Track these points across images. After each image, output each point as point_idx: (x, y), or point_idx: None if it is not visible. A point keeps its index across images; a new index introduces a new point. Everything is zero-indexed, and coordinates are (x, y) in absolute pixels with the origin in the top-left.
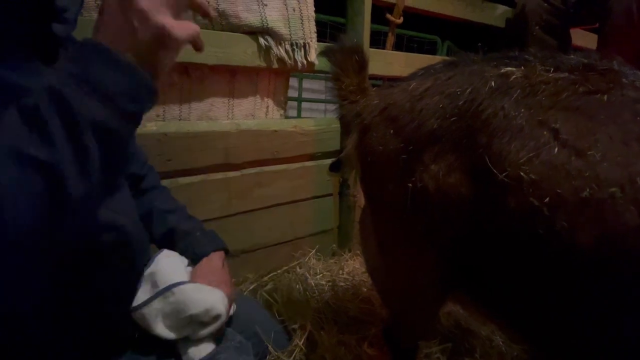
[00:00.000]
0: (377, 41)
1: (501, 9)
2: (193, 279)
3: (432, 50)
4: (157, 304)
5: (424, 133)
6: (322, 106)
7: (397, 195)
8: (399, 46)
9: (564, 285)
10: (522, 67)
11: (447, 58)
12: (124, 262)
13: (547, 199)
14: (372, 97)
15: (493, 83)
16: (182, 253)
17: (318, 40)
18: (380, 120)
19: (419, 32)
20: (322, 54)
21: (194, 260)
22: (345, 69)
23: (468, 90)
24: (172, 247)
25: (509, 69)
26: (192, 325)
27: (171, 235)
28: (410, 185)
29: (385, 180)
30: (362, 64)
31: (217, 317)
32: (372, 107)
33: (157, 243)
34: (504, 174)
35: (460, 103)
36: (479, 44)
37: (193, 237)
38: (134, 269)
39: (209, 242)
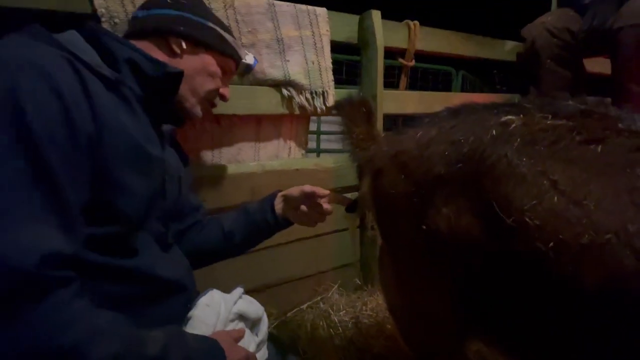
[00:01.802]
0: (392, 74)
1: (510, 44)
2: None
3: (448, 81)
4: None
5: (433, 178)
6: (340, 137)
7: (411, 237)
8: (414, 79)
9: (573, 329)
10: (521, 115)
11: (457, 93)
12: (174, 304)
13: (552, 243)
14: (382, 144)
15: (494, 131)
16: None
17: (335, 78)
18: (391, 165)
19: (434, 64)
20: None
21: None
22: (355, 120)
23: (471, 139)
24: (247, 218)
25: (509, 117)
26: None
27: (245, 209)
28: (424, 227)
29: (400, 222)
30: (370, 114)
31: None
32: (383, 153)
33: (238, 234)
34: (511, 219)
35: (465, 150)
36: (494, 71)
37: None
38: (182, 310)
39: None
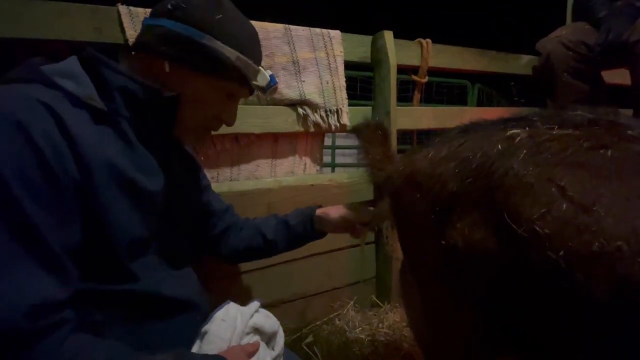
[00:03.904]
0: (407, 89)
1: (525, 58)
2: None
3: (463, 94)
4: None
5: (446, 195)
6: (354, 151)
7: (432, 253)
8: (429, 92)
9: (588, 338)
10: (527, 128)
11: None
12: (182, 321)
13: (562, 252)
14: (398, 164)
15: (500, 146)
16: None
17: (349, 94)
18: (407, 184)
19: (449, 78)
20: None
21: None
22: (372, 142)
23: (479, 155)
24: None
25: (515, 131)
26: None
27: (285, 222)
28: (443, 243)
29: (420, 239)
30: (386, 136)
31: None
32: (399, 173)
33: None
34: (522, 229)
35: (474, 166)
36: (512, 83)
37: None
38: (191, 326)
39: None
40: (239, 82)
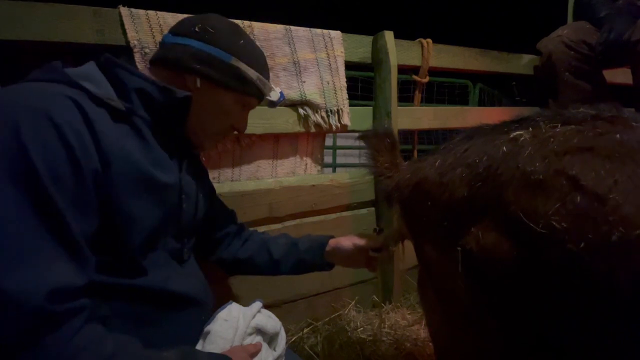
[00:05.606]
0: (407, 89)
1: (527, 58)
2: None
3: (464, 94)
4: None
5: (457, 201)
6: (355, 151)
7: (447, 259)
8: (430, 92)
9: (614, 335)
10: (530, 129)
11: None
12: (187, 317)
13: (583, 244)
14: (405, 172)
15: (505, 148)
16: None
17: (350, 94)
18: (416, 194)
19: (450, 78)
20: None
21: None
22: (379, 149)
23: (484, 159)
24: (297, 252)
25: (518, 132)
26: None
27: (295, 244)
28: (459, 249)
29: (434, 246)
30: (393, 144)
31: None
32: (407, 182)
33: (282, 261)
34: (539, 226)
35: (480, 171)
36: (513, 83)
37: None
38: (196, 323)
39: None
40: (256, 97)
